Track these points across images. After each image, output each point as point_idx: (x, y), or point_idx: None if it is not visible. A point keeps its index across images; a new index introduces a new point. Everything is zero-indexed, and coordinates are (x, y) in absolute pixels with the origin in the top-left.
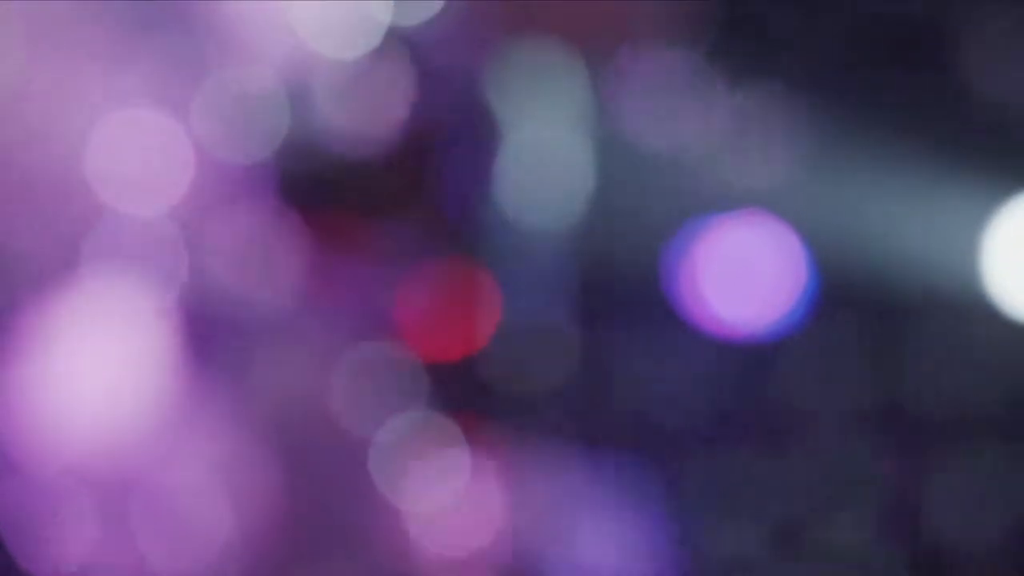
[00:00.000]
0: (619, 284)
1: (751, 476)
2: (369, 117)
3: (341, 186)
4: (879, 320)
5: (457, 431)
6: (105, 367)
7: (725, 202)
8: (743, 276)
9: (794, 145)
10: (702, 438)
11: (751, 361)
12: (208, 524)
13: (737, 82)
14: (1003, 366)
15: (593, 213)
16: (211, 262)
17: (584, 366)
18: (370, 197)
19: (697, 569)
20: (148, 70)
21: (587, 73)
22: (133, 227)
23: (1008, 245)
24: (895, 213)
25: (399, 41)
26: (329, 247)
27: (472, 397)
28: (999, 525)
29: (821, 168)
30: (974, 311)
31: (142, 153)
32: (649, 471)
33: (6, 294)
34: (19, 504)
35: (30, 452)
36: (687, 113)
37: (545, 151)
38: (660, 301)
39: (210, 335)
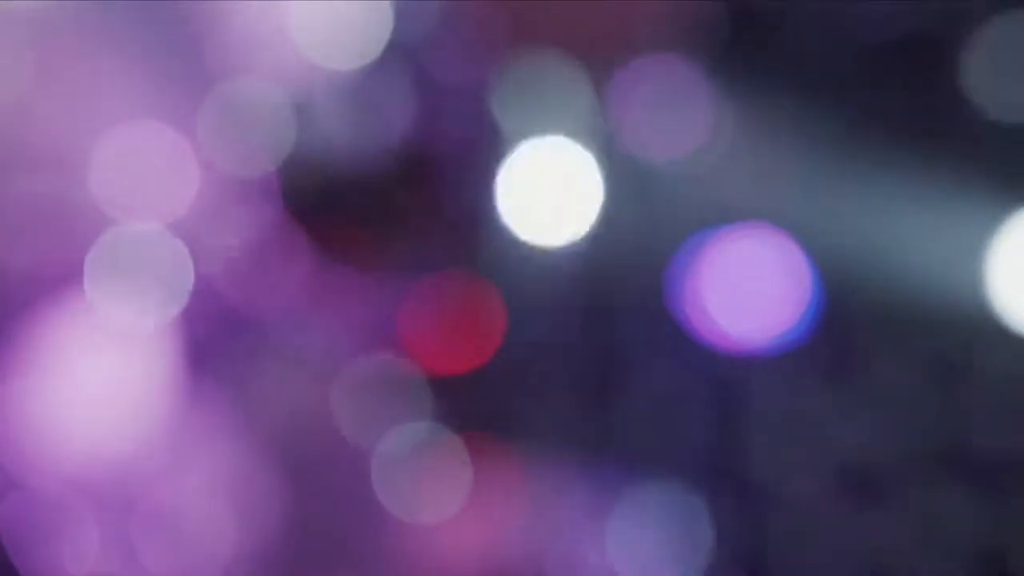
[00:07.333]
0: (624, 297)
1: (757, 489)
2: (373, 130)
3: (345, 199)
4: (884, 335)
5: (462, 445)
6: (108, 381)
7: (730, 215)
8: (748, 289)
9: (799, 158)
10: (710, 452)
11: (756, 375)
12: (211, 538)
13: (743, 95)
14: (1011, 386)
15: (598, 226)
16: (214, 275)
17: (589, 379)
18: (374, 210)
19: None
20: (150, 83)
21: (592, 86)
22: (136, 240)
23: (1016, 260)
24: (902, 226)
25: (402, 53)
26: (333, 260)
27: (477, 411)
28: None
29: (827, 181)
30: (981, 327)
31: (145, 166)
32: (656, 486)
33: (7, 307)
34: (22, 519)
35: (33, 466)
36: (692, 126)
37: (549, 164)
38: (666, 314)
39: (213, 349)
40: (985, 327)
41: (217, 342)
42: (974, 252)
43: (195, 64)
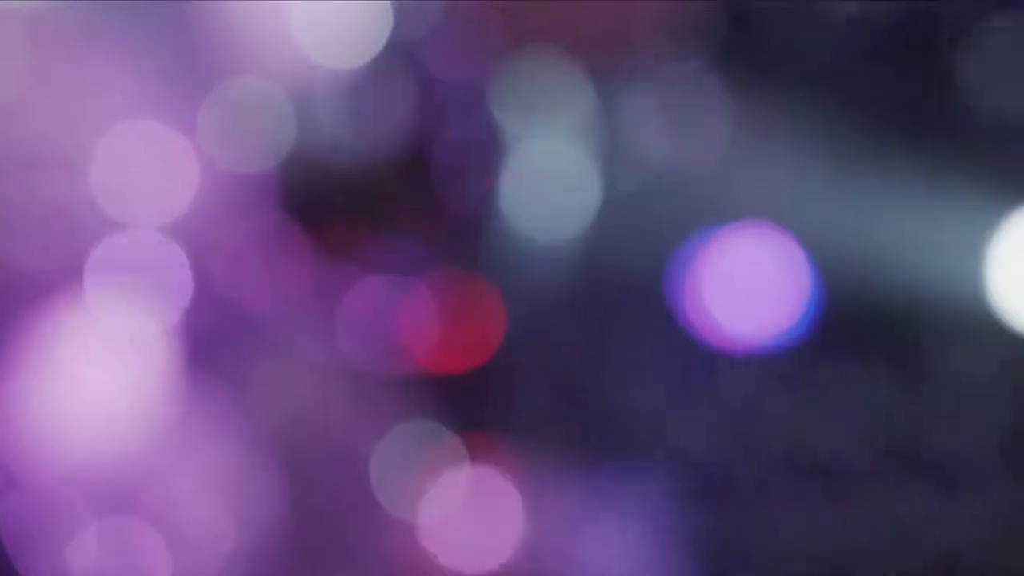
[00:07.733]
0: (624, 296)
1: (758, 487)
2: (373, 129)
3: (345, 198)
4: (883, 335)
5: (462, 444)
6: (108, 381)
7: (730, 214)
8: (748, 289)
9: (799, 157)
10: (710, 451)
11: (754, 374)
12: (210, 539)
13: (743, 94)
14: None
15: (598, 224)
16: (214, 275)
17: (589, 378)
18: (374, 208)
19: None
20: (150, 82)
21: (592, 84)
22: (135, 240)
23: (1016, 260)
24: (903, 224)
25: (402, 51)
26: (333, 259)
27: (477, 410)
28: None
29: (826, 180)
30: (982, 326)
31: (145, 166)
32: (656, 485)
33: (7, 307)
34: (22, 519)
35: (33, 466)
36: (692, 125)
37: (550, 162)
38: (666, 313)
39: (213, 348)
40: (989, 327)
41: (217, 342)
42: (974, 252)
43: (195, 64)
